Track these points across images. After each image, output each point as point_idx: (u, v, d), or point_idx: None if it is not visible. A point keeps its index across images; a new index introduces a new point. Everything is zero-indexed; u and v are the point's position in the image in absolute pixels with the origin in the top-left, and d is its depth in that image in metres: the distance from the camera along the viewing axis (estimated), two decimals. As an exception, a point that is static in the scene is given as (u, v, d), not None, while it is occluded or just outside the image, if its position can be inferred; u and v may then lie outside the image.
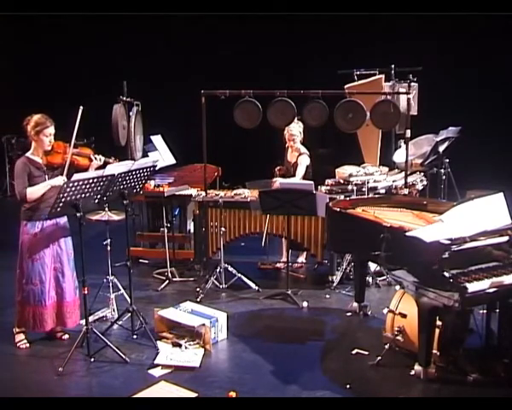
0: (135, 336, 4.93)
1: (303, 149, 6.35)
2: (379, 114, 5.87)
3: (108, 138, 6.36)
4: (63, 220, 4.79)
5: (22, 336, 4.82)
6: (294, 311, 5.53)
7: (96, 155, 4.81)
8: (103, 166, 4.66)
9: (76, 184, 4.27)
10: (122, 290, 5.35)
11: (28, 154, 4.68)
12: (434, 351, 4.21)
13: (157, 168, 5.33)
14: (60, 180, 4.60)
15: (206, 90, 5.89)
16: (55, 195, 4.59)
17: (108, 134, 6.34)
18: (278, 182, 6.03)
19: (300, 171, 6.23)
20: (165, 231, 6.33)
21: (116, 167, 4.55)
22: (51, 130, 4.63)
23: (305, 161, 6.27)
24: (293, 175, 6.25)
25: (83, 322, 4.72)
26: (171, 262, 6.31)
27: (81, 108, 4.66)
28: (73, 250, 4.85)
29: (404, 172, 6.12)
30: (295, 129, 6.22)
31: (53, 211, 4.34)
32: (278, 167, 6.51)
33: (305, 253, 6.57)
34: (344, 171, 6.15)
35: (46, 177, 4.63)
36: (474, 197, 4.17)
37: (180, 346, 4.72)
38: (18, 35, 10.02)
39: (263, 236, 6.13)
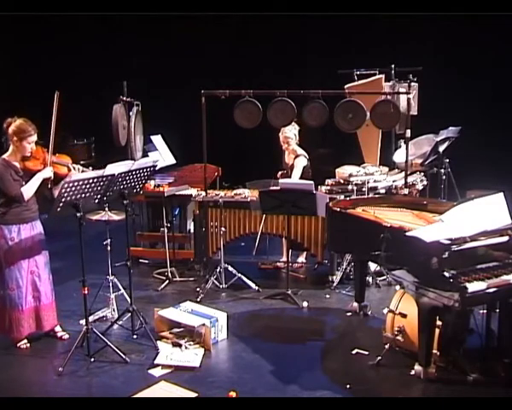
0: (135, 336, 4.93)
1: (300, 151, 6.35)
2: (379, 114, 5.87)
3: (108, 138, 6.36)
4: (39, 223, 4.78)
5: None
6: (294, 311, 5.53)
7: (75, 165, 4.79)
8: None
9: (76, 184, 4.26)
10: (122, 290, 5.35)
11: (5, 156, 4.61)
12: (434, 351, 4.21)
13: (157, 168, 5.33)
14: (48, 171, 4.59)
15: (206, 90, 5.89)
16: (32, 198, 4.61)
17: (108, 134, 6.33)
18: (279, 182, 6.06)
19: (296, 173, 6.22)
20: (165, 231, 6.33)
21: (116, 167, 4.55)
22: (34, 137, 4.58)
23: (301, 163, 6.26)
24: (290, 177, 6.25)
25: (83, 322, 4.72)
26: (171, 262, 6.31)
27: (57, 93, 4.56)
28: (73, 250, 4.84)
29: (404, 172, 6.12)
30: (290, 132, 6.23)
31: (53, 211, 4.33)
32: (280, 172, 6.50)
33: (305, 253, 6.57)
34: (344, 171, 6.15)
35: (23, 183, 4.57)
36: (474, 197, 4.17)
37: (180, 346, 4.72)
38: (17, 35, 10.01)
39: (256, 239, 6.14)
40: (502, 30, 8.11)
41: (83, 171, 4.77)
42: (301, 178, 6.17)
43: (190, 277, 6.29)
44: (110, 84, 6.71)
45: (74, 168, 4.76)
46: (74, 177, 4.29)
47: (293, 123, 6.11)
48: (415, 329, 4.25)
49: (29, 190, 4.54)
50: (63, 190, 4.23)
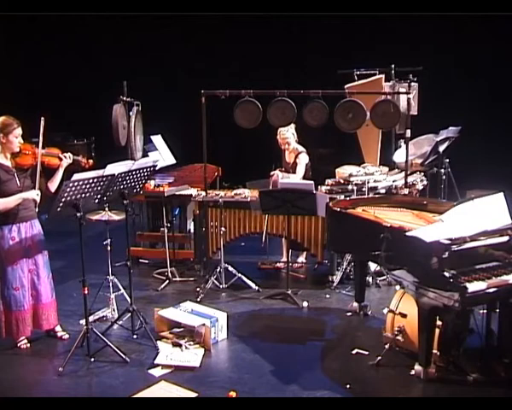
0: (135, 336, 4.93)
1: (300, 148, 6.37)
2: (379, 114, 5.87)
3: (108, 138, 6.36)
4: (38, 222, 4.77)
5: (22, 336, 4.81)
6: (294, 311, 5.53)
7: (65, 154, 4.76)
8: (73, 164, 4.67)
9: (76, 184, 4.26)
10: (122, 290, 5.36)
11: None
12: (434, 351, 4.21)
13: (157, 168, 5.33)
14: (33, 194, 4.55)
15: (206, 90, 5.89)
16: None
17: (108, 134, 6.33)
18: (276, 175, 6.08)
19: (300, 169, 6.24)
20: (166, 230, 6.34)
21: (116, 167, 4.54)
22: (20, 130, 4.56)
23: (304, 160, 6.29)
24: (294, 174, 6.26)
25: (83, 322, 4.71)
26: (171, 262, 6.32)
27: (42, 119, 4.57)
28: (73, 250, 4.83)
29: (404, 172, 6.12)
30: (287, 132, 6.25)
31: (53, 211, 4.33)
32: (277, 169, 6.51)
33: (305, 253, 6.57)
34: (344, 171, 6.16)
35: (17, 179, 4.56)
36: (474, 197, 4.17)
37: (180, 346, 4.72)
38: (17, 34, 10.01)
39: (263, 236, 6.14)
40: (502, 30, 8.11)
41: (74, 159, 4.76)
42: (302, 176, 6.18)
43: (190, 277, 6.30)
44: (110, 84, 6.71)
45: (65, 157, 4.73)
46: (74, 177, 4.28)
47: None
48: (415, 329, 4.25)
49: (5, 204, 4.49)
50: (63, 190, 4.22)
